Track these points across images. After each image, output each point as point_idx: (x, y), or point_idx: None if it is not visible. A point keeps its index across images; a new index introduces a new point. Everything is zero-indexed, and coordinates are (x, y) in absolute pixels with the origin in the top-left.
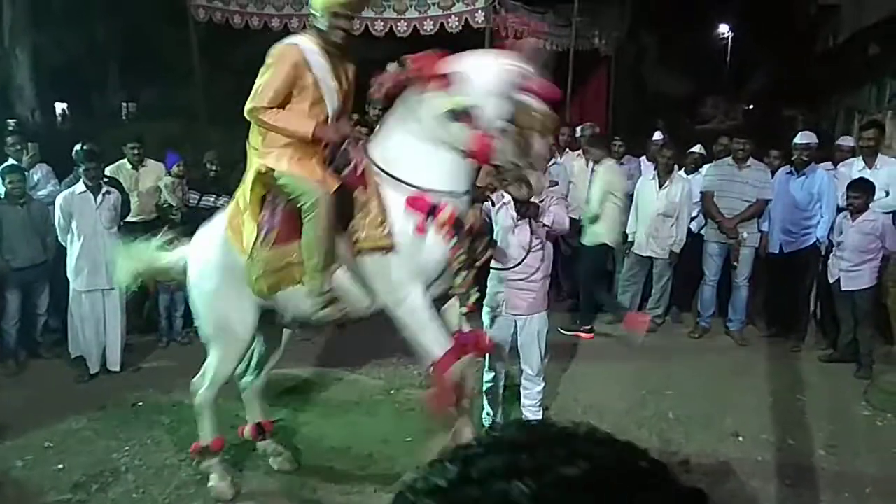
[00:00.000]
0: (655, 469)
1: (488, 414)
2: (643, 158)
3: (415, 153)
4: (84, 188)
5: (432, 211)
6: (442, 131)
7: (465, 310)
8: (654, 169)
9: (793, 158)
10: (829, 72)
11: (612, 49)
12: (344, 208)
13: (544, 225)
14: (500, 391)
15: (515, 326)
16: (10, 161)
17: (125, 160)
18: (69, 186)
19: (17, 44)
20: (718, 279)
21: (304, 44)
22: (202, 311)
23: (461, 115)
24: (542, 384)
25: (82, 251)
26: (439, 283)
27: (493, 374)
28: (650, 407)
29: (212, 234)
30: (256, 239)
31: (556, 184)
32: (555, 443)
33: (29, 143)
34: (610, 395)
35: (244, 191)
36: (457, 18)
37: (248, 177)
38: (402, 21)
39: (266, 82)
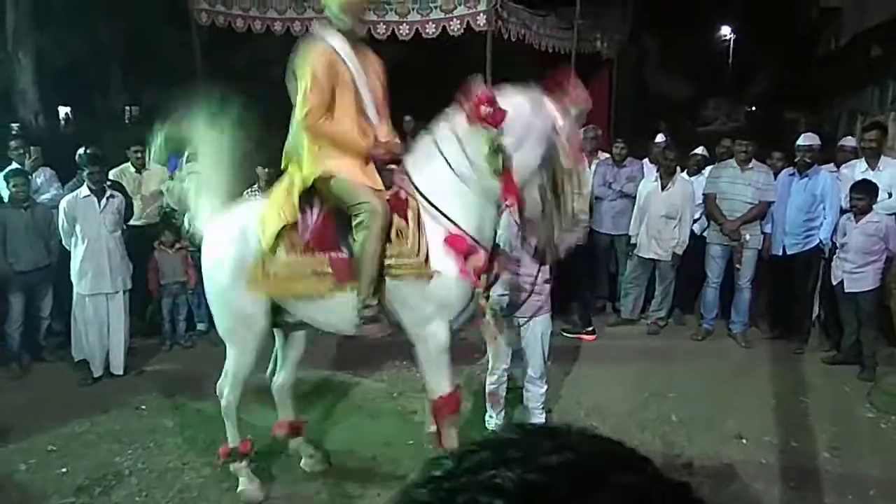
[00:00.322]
0: (640, 460)
1: (490, 416)
2: (646, 160)
3: (455, 190)
4: (88, 192)
5: (469, 254)
6: (483, 175)
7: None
8: (657, 171)
9: (795, 160)
10: (831, 74)
11: (614, 52)
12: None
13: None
14: (504, 394)
15: (519, 329)
16: (14, 165)
17: (128, 164)
18: (73, 190)
19: (20, 47)
20: (721, 281)
21: (333, 40)
22: (217, 304)
23: (500, 159)
24: (546, 386)
25: (86, 255)
26: (460, 319)
27: (496, 377)
28: (653, 409)
29: (230, 224)
30: (281, 238)
31: None
32: (543, 438)
33: (31, 147)
34: (612, 397)
35: (287, 188)
36: (458, 21)
37: (297, 178)
38: (405, 24)
39: (309, 87)
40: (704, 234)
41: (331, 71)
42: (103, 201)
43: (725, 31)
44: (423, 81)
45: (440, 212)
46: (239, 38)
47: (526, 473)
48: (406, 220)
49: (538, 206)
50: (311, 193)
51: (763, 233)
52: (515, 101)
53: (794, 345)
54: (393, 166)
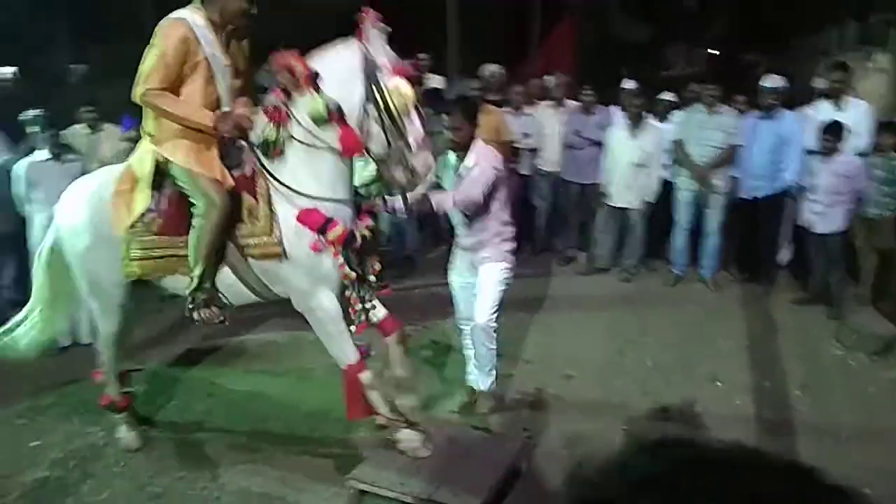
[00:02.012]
0: None
1: (469, 372)
2: (613, 107)
3: (298, 159)
4: (49, 156)
5: (324, 228)
6: (315, 134)
7: (353, 328)
8: (626, 118)
9: (761, 103)
10: (791, 14)
11: None
12: (232, 209)
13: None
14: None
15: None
16: None
17: (80, 125)
18: (25, 154)
19: None
20: (691, 227)
21: (193, 18)
22: (76, 269)
23: (328, 113)
24: (493, 346)
25: (48, 221)
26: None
27: (469, 340)
28: (628, 356)
29: (86, 192)
30: (138, 220)
31: (529, 136)
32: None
33: None
34: (588, 346)
35: (140, 169)
36: None
37: (145, 160)
38: None
39: (155, 62)
40: (673, 179)
41: (181, 49)
42: (64, 165)
43: None
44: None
45: (287, 187)
46: None
47: None
48: (256, 198)
49: (382, 141)
50: (160, 172)
51: (731, 177)
52: (325, 56)
53: (763, 287)
54: (243, 143)
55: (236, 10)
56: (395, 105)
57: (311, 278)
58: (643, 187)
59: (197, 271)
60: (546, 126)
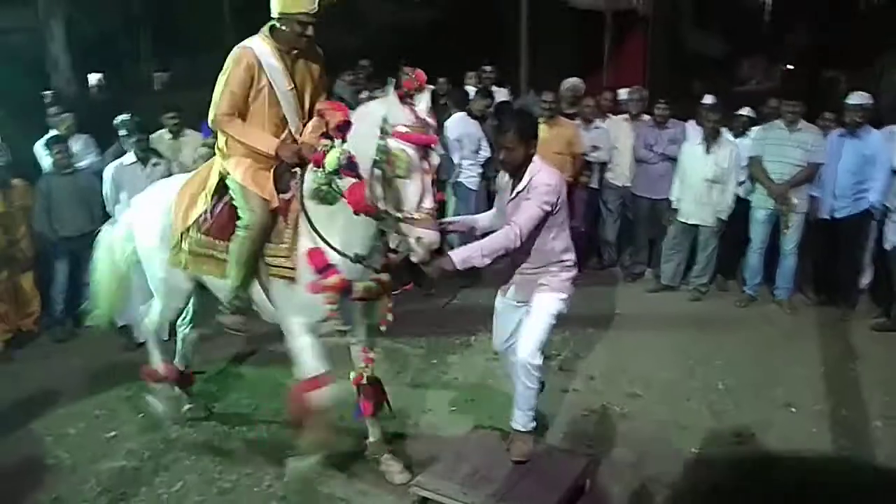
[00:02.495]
0: None
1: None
2: (690, 122)
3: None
4: (134, 159)
5: (324, 270)
6: (335, 186)
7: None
8: (702, 134)
9: (846, 120)
10: (874, 29)
11: (648, 8)
12: (270, 227)
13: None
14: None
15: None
16: (54, 132)
17: (164, 130)
18: (114, 157)
19: (51, 16)
20: (766, 246)
21: (259, 46)
22: (144, 260)
23: (339, 166)
24: (536, 385)
25: None
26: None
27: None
28: (698, 377)
29: (159, 195)
30: (194, 220)
31: (598, 149)
32: None
33: (65, 114)
34: (657, 366)
35: (208, 176)
36: None
37: (214, 170)
38: None
39: (223, 90)
40: (749, 197)
41: (245, 76)
42: (149, 168)
43: None
44: (458, 38)
45: (310, 223)
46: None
47: None
48: (286, 222)
49: (380, 200)
50: (223, 183)
51: (810, 196)
52: (361, 109)
53: (842, 311)
54: (298, 170)
55: (294, 35)
56: (389, 169)
57: (298, 304)
58: (717, 204)
59: (233, 279)
60: (618, 140)
